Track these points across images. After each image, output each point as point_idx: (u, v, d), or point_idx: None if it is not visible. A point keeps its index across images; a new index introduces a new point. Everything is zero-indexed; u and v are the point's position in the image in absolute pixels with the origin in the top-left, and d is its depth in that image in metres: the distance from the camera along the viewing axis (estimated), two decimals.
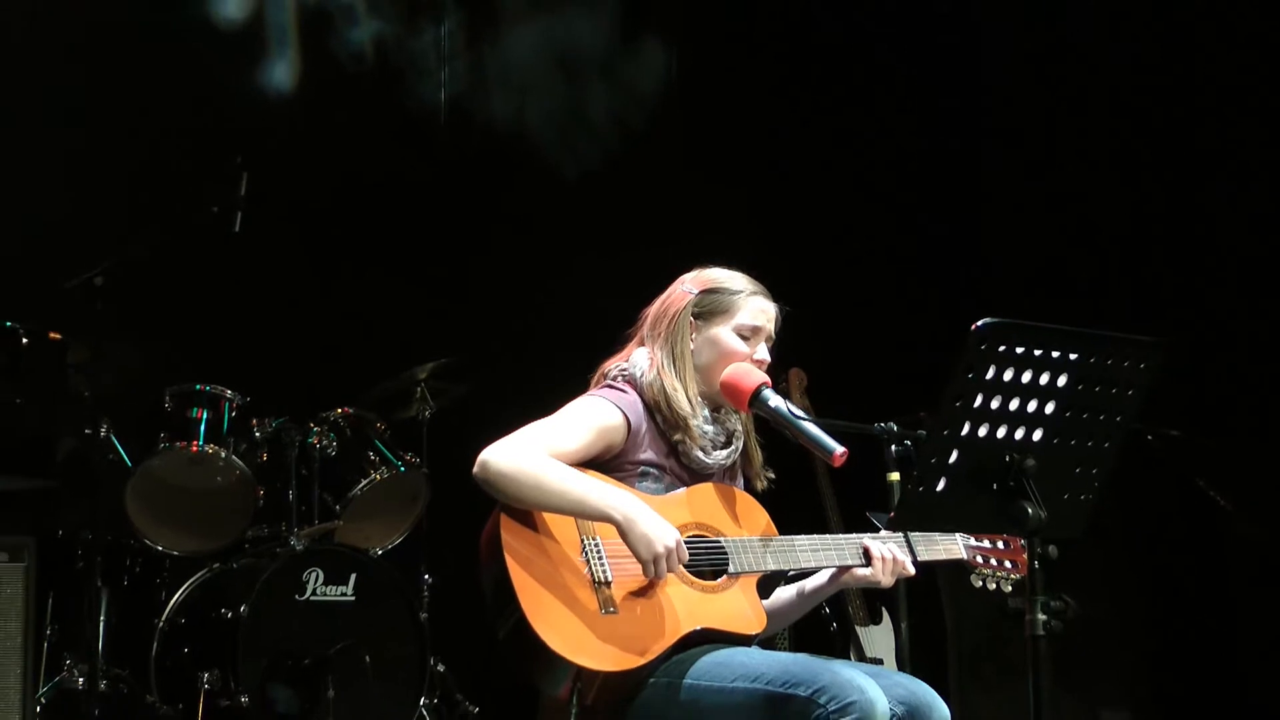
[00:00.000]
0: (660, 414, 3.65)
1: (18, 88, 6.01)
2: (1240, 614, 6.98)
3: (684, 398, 3.65)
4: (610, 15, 7.63)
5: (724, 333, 3.70)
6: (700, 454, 3.66)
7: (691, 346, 3.70)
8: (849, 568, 3.68)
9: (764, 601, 3.65)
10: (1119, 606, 6.57)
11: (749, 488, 3.79)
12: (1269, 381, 6.98)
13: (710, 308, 3.72)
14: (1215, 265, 7.15)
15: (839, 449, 3.52)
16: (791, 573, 3.72)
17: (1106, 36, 7.49)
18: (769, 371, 3.73)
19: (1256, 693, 6.78)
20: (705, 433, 3.67)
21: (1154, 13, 7.28)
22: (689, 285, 3.76)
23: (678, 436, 3.65)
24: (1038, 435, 3.26)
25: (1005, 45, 7.96)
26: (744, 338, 3.70)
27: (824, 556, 3.68)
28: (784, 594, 3.79)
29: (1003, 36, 7.96)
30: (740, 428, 3.76)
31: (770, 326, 3.75)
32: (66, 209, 6.01)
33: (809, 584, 3.79)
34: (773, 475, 3.81)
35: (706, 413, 3.69)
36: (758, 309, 3.73)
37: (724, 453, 3.71)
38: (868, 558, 3.66)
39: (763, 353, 3.73)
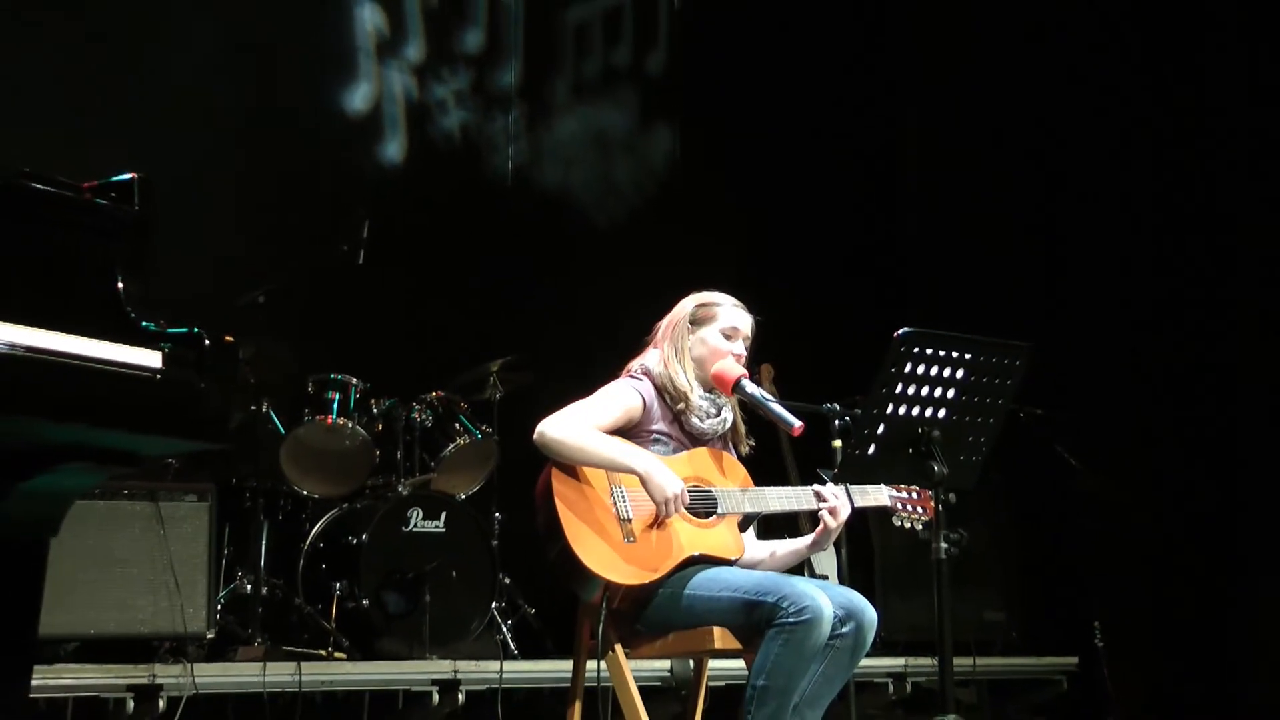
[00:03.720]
0: (667, 393, 3.66)
1: (208, 162, 6.02)
2: (1083, 541, 6.99)
3: (683, 378, 3.66)
4: (631, 107, 7.65)
5: (710, 333, 3.71)
6: (697, 420, 3.67)
7: (689, 344, 3.71)
8: (824, 534, 3.67)
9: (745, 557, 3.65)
10: (999, 538, 6.57)
11: (736, 452, 3.79)
12: (1109, 372, 7.00)
13: (701, 316, 3.74)
14: (1074, 281, 7.19)
15: (797, 423, 3.52)
16: (763, 513, 3.71)
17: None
18: (746, 365, 3.73)
19: (1094, 595, 6.78)
20: (701, 405, 3.67)
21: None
22: (687, 304, 3.78)
23: (680, 406, 3.65)
24: (942, 414, 3.26)
25: (926, 130, 7.99)
26: (727, 337, 3.70)
27: (786, 502, 3.67)
28: (758, 552, 3.77)
29: (924, 122, 7.99)
30: (729, 407, 3.75)
31: (746, 329, 3.75)
32: (240, 248, 6.01)
33: (782, 548, 3.77)
34: (753, 443, 3.81)
35: (701, 390, 3.69)
36: (736, 315, 3.75)
37: (716, 420, 3.70)
38: (818, 501, 3.65)
39: (740, 348, 3.72)
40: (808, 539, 3.73)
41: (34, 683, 2.66)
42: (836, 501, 3.64)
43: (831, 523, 3.64)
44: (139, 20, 6.08)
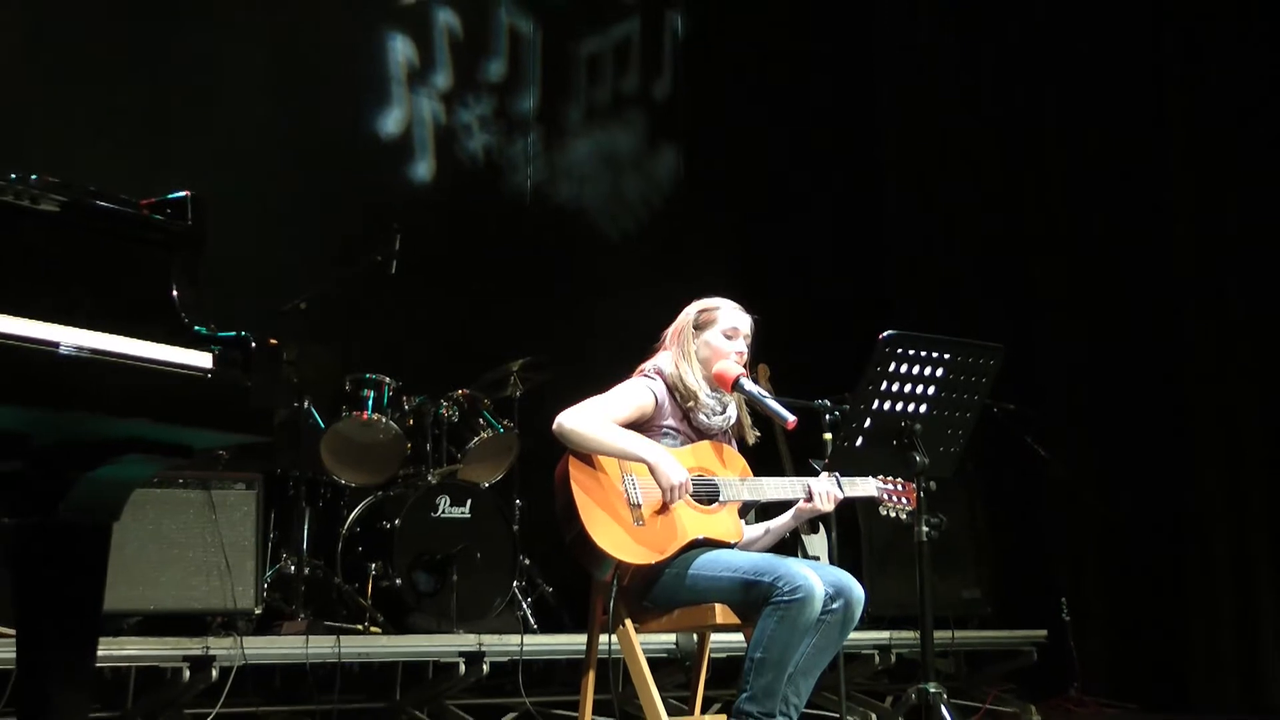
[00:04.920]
0: (678, 391, 3.65)
1: (257, 181, 6.04)
2: (1051, 525, 7.00)
3: (692, 378, 3.65)
4: (639, 130, 7.66)
5: (713, 336, 3.69)
6: (704, 417, 3.66)
7: (694, 347, 3.70)
8: (805, 509, 3.65)
9: (744, 538, 3.65)
10: (975, 522, 6.56)
11: (742, 443, 3.78)
12: (1074, 371, 7.01)
13: (704, 320, 3.72)
14: (1042, 287, 7.20)
15: (791, 418, 3.50)
16: (761, 501, 3.70)
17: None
18: (748, 362, 3.73)
19: (1061, 574, 6.81)
20: (709, 403, 3.67)
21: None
22: (691, 310, 3.77)
23: (690, 404, 3.64)
24: (923, 408, 3.26)
25: (907, 150, 7.98)
26: (728, 337, 3.69)
27: (781, 490, 3.67)
28: (753, 531, 3.76)
29: (905, 143, 7.99)
30: (734, 404, 3.74)
31: (745, 328, 3.74)
32: (284, 260, 6.03)
33: (774, 524, 3.76)
34: (759, 433, 3.81)
35: (708, 389, 3.68)
36: (735, 316, 3.73)
37: (721, 417, 3.70)
38: (810, 493, 3.64)
39: (741, 346, 3.71)
40: (789, 514, 3.72)
41: (99, 653, 2.66)
42: (826, 490, 3.63)
43: (821, 507, 3.63)
44: (198, 55, 6.16)
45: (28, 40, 5.74)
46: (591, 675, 3.61)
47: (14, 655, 2.49)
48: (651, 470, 3.43)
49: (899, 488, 3.68)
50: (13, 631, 2.52)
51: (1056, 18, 7.23)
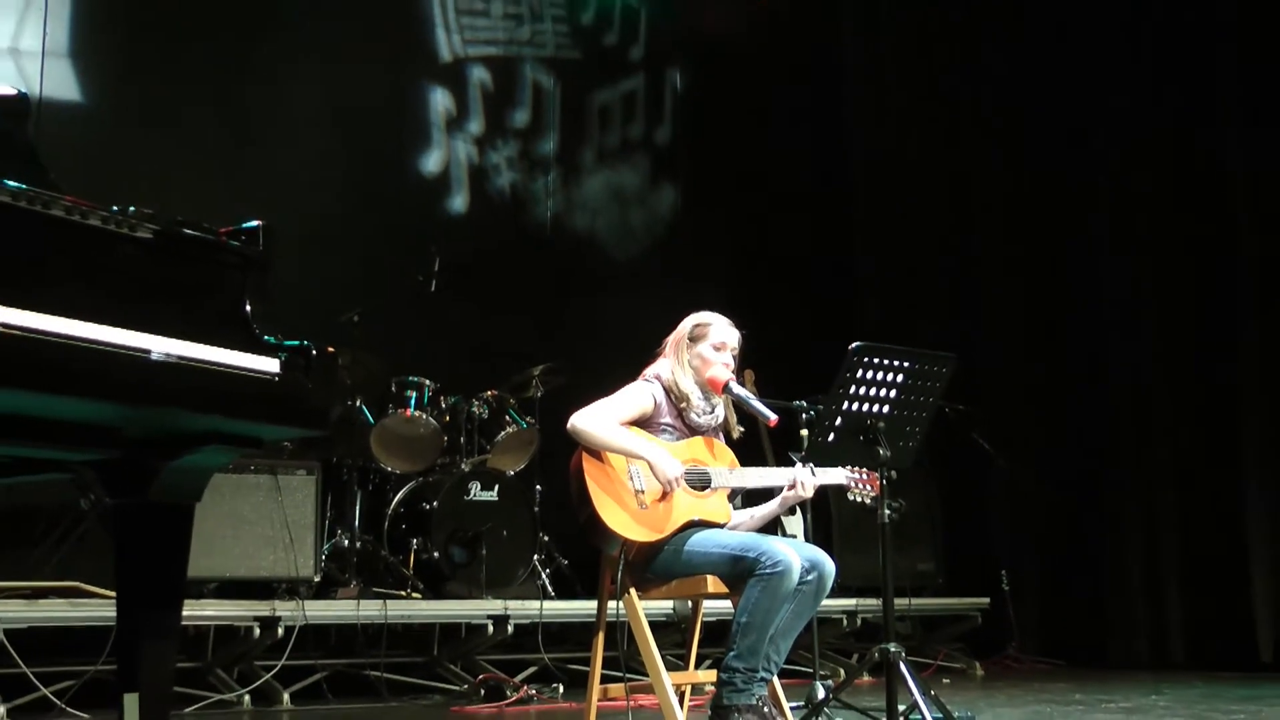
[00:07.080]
0: (673, 394, 3.64)
1: (319, 212, 6.04)
2: (993, 509, 7.01)
3: (685, 383, 3.63)
4: (643, 170, 7.68)
5: (705, 348, 3.66)
6: (696, 416, 3.64)
7: (688, 357, 3.69)
8: (789, 496, 3.64)
9: (731, 520, 3.64)
10: (929, 505, 6.56)
11: (728, 439, 3.77)
12: (1014, 377, 7.02)
13: (697, 334, 3.69)
14: (988, 306, 7.21)
15: (773, 416, 3.50)
16: (746, 487, 3.69)
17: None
18: (735, 370, 3.71)
19: (1001, 550, 6.81)
20: (699, 404, 3.65)
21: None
22: (687, 324, 3.75)
23: (683, 405, 3.63)
24: (886, 409, 3.26)
25: (871, 190, 7.99)
26: (717, 349, 3.68)
27: (763, 479, 3.65)
28: (739, 516, 3.75)
29: (870, 184, 7.99)
30: (721, 405, 3.73)
31: (733, 342, 3.70)
32: (340, 278, 6.03)
33: (758, 511, 3.74)
34: (743, 429, 3.80)
35: (699, 393, 3.67)
36: (724, 332, 3.69)
37: (710, 416, 3.68)
38: (793, 482, 3.63)
39: (728, 357, 3.69)
40: (775, 501, 3.72)
41: (184, 613, 2.67)
42: (803, 479, 3.62)
43: (802, 494, 3.62)
44: (269, 104, 6.20)
45: (127, 93, 5.86)
46: (601, 636, 3.60)
47: (114, 614, 2.51)
48: (650, 467, 3.43)
49: (865, 476, 3.67)
50: (114, 594, 2.53)
51: (1017, 66, 7.25)
